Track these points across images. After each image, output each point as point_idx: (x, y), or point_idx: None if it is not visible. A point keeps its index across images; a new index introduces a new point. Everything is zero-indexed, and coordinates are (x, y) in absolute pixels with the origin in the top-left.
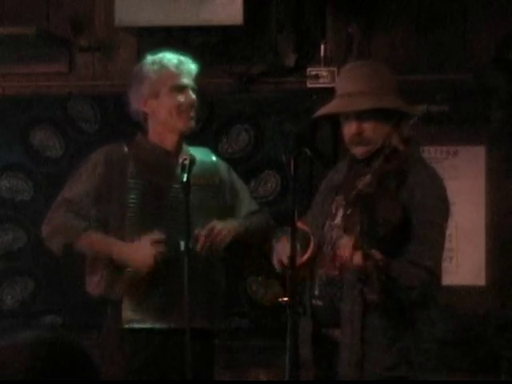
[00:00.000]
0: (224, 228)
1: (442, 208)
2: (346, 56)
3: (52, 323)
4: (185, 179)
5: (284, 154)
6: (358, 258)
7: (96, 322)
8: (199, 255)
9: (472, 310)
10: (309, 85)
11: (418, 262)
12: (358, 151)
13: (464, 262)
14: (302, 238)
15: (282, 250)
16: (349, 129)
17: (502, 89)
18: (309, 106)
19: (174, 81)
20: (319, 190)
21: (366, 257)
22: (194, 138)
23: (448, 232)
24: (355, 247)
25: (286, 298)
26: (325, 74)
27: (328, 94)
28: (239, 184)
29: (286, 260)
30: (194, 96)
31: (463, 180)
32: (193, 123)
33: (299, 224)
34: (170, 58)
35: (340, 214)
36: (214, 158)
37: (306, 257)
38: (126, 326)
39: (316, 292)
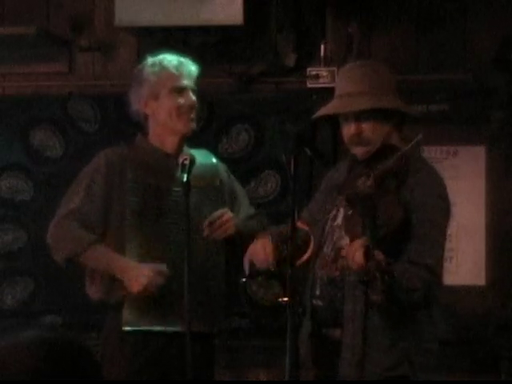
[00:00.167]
0: (234, 218)
1: (442, 207)
2: (346, 56)
3: (52, 323)
4: (185, 179)
5: (284, 154)
6: (359, 257)
7: (96, 322)
8: (200, 257)
9: (472, 309)
10: (309, 85)
11: (418, 260)
12: (358, 151)
13: (464, 261)
14: (302, 238)
15: (256, 249)
16: (348, 129)
17: (502, 89)
18: (309, 106)
19: (174, 82)
20: (320, 188)
21: (367, 257)
22: (194, 138)
23: (448, 232)
24: (365, 247)
25: (285, 298)
26: (325, 73)
27: (328, 93)
28: (238, 187)
29: (260, 262)
30: (194, 98)
31: (463, 180)
32: (193, 125)
33: (299, 224)
34: (170, 59)
35: (341, 214)
36: (214, 160)
37: (306, 256)
38: (127, 327)
39: (317, 292)
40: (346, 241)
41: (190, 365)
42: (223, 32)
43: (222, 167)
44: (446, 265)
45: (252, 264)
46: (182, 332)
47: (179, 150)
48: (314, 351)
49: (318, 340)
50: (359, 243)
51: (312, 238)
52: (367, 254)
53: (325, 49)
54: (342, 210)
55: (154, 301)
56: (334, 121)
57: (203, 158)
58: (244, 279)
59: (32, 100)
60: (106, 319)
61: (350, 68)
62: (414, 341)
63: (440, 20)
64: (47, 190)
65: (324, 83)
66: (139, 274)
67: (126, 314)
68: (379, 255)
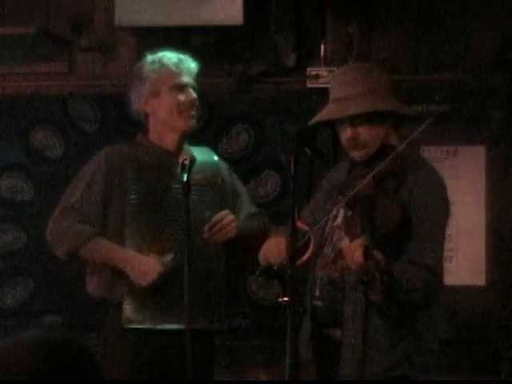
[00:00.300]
0: (235, 220)
1: (441, 206)
2: (346, 56)
3: (52, 323)
4: (185, 179)
5: (284, 154)
6: (358, 257)
7: (96, 321)
8: (200, 256)
9: (472, 309)
10: (309, 85)
11: (418, 260)
12: (356, 155)
13: (464, 261)
14: (302, 238)
15: (271, 245)
16: (344, 134)
17: (502, 89)
18: (309, 106)
19: (174, 80)
20: (320, 187)
21: (367, 257)
22: (194, 138)
23: (448, 232)
24: (364, 247)
25: (286, 298)
26: (325, 74)
27: (328, 94)
28: (240, 185)
29: (273, 258)
30: (194, 94)
31: (463, 180)
32: (194, 122)
33: (299, 224)
34: (169, 56)
35: (341, 215)
36: (215, 158)
37: (306, 257)
38: (127, 326)
39: (317, 293)
40: (345, 242)
41: (191, 364)
42: (223, 32)
43: (224, 165)
44: (446, 265)
45: (265, 262)
46: (183, 330)
47: (179, 148)
48: (315, 351)
49: (319, 340)
50: (358, 243)
51: (312, 238)
52: (366, 254)
53: (325, 49)
54: (342, 211)
55: (155, 299)
56: (333, 122)
57: (204, 155)
58: (257, 274)
59: (32, 100)
60: (106, 318)
61: (342, 71)
62: (414, 341)
63: (440, 20)
64: (47, 190)
65: (324, 83)
66: (146, 267)
67: (127, 311)
68: (378, 255)
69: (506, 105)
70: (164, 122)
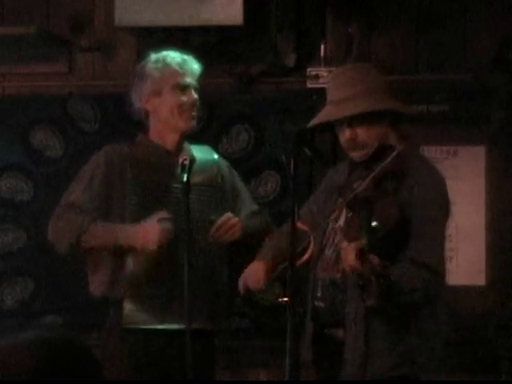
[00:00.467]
0: (239, 221)
1: (441, 205)
2: (346, 56)
3: (52, 323)
4: (185, 179)
5: (284, 154)
6: (351, 260)
7: (96, 321)
8: (201, 255)
9: (472, 309)
10: (309, 85)
11: (418, 259)
12: (355, 155)
13: (464, 261)
14: (302, 238)
15: (250, 272)
16: (343, 135)
17: (502, 89)
18: (309, 106)
19: (177, 79)
20: (320, 188)
21: (362, 260)
22: (194, 138)
23: (448, 232)
24: (358, 250)
25: (285, 298)
26: (325, 74)
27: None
28: (240, 183)
29: (252, 284)
30: (196, 96)
31: (463, 180)
32: (194, 123)
33: (299, 224)
34: (173, 56)
35: (342, 216)
36: (215, 156)
37: (305, 257)
38: (128, 326)
39: (318, 294)
40: (345, 243)
41: (190, 365)
42: (223, 32)
43: (224, 163)
44: (446, 265)
45: (246, 285)
46: (183, 330)
47: (180, 147)
48: (315, 353)
49: (321, 341)
50: (352, 246)
51: (312, 238)
52: (361, 257)
53: (325, 49)
54: (343, 213)
55: (155, 299)
56: (332, 123)
57: (204, 154)
58: (239, 298)
59: (32, 100)
60: (106, 318)
61: (339, 73)
62: (417, 340)
63: (440, 20)
64: (47, 190)
65: (324, 83)
66: (148, 227)
67: (127, 311)
68: (374, 259)
69: (506, 105)
70: (165, 121)
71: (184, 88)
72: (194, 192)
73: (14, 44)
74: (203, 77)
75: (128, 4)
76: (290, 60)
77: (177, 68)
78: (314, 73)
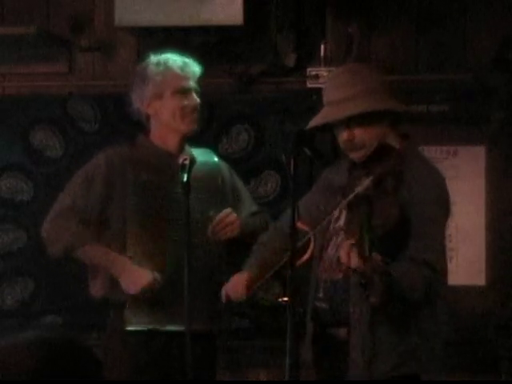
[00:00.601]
0: (238, 219)
1: (440, 203)
2: (346, 56)
3: (52, 323)
4: (185, 179)
5: (284, 154)
6: (354, 260)
7: (96, 322)
8: (201, 256)
9: (472, 309)
10: (309, 85)
11: (417, 257)
12: (354, 156)
13: (464, 261)
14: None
15: (233, 282)
16: (341, 136)
17: (502, 89)
18: (309, 106)
19: (179, 83)
20: (315, 187)
21: (364, 259)
22: (194, 138)
23: (448, 232)
24: (356, 249)
25: (285, 298)
26: (325, 74)
27: None
28: (240, 185)
29: (233, 295)
30: (197, 99)
31: (463, 180)
32: (195, 126)
33: (299, 224)
34: (175, 59)
35: (343, 217)
36: (215, 159)
37: (306, 257)
38: (128, 327)
39: (320, 294)
40: (347, 243)
41: (190, 365)
42: (223, 32)
43: (224, 166)
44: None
45: (228, 295)
46: (184, 331)
47: (181, 149)
48: (315, 352)
49: (322, 341)
50: (346, 244)
51: (312, 238)
52: (363, 256)
53: (325, 49)
54: (344, 213)
55: (156, 300)
56: (330, 125)
57: (205, 156)
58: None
59: (32, 100)
60: (108, 319)
61: (335, 74)
62: (417, 340)
63: (440, 20)
64: (47, 190)
65: (324, 83)
66: (137, 276)
67: (128, 313)
68: (376, 257)
69: (506, 105)
70: (166, 124)
71: (186, 91)
72: (195, 194)
73: (14, 44)
74: (203, 77)
75: (128, 4)
76: (290, 60)
77: (178, 71)
78: (314, 73)
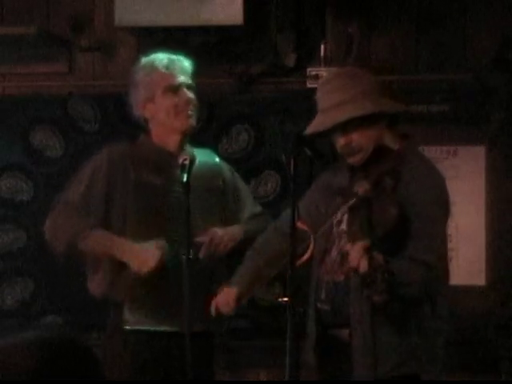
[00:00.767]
0: (225, 234)
1: (439, 202)
2: (346, 56)
3: (52, 323)
4: (185, 179)
5: (284, 154)
6: (364, 265)
7: (96, 321)
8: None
9: (472, 309)
10: (309, 85)
11: (416, 256)
12: (352, 160)
13: (464, 261)
14: (302, 239)
15: (222, 296)
16: (338, 142)
17: (502, 89)
18: (309, 106)
19: (166, 81)
20: (313, 189)
21: (368, 260)
22: (194, 138)
23: (448, 232)
24: (363, 250)
25: (285, 298)
26: (325, 74)
27: None
28: (242, 186)
29: (222, 308)
30: (189, 94)
31: (463, 180)
32: (192, 121)
33: (299, 224)
34: (160, 58)
35: (345, 219)
36: (217, 160)
37: (306, 257)
38: (128, 327)
39: (322, 296)
40: (349, 245)
41: (190, 365)
42: (223, 32)
43: (225, 166)
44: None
45: (217, 308)
46: (183, 332)
47: (181, 148)
48: (321, 355)
49: (325, 342)
50: (357, 246)
51: (312, 238)
52: (367, 256)
53: (325, 49)
54: (346, 216)
55: (155, 300)
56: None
57: (206, 157)
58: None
59: (32, 100)
60: (107, 318)
61: (327, 80)
62: (418, 340)
63: (440, 20)
64: (47, 190)
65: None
66: (146, 254)
67: (127, 313)
68: (378, 256)
69: (506, 105)
70: (163, 124)
71: (175, 89)
72: (196, 195)
73: (14, 44)
74: (203, 77)
75: (128, 4)
76: (290, 60)
77: (163, 70)
78: (313, 73)
